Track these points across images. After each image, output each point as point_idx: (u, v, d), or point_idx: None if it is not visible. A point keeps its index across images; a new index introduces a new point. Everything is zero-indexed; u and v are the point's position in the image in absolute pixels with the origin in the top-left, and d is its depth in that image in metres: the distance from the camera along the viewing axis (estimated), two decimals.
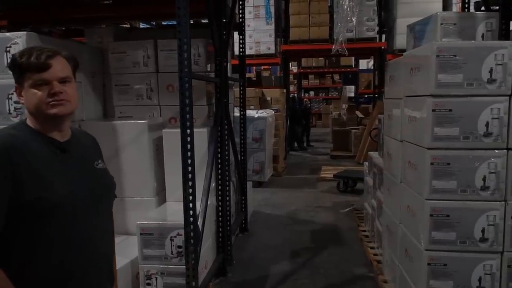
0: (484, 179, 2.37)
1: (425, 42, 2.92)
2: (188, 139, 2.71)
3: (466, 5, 3.64)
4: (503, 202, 2.37)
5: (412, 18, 5.40)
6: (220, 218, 3.53)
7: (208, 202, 3.20)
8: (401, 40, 8.15)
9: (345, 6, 8.31)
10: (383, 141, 3.68)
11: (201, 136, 3.37)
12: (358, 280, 3.64)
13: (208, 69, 3.76)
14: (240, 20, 4.67)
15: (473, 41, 2.38)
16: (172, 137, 3.34)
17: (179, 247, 2.99)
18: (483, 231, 2.38)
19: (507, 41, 2.28)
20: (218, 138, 3.54)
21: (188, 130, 2.70)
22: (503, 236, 2.38)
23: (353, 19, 8.02)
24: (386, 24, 9.21)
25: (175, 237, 3.01)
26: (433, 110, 2.34)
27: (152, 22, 5.71)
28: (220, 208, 3.54)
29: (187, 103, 2.70)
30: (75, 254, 1.31)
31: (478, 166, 2.36)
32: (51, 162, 1.31)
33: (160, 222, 3.08)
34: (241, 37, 4.73)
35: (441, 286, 2.42)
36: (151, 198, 3.48)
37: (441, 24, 2.84)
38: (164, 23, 5.69)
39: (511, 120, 2.33)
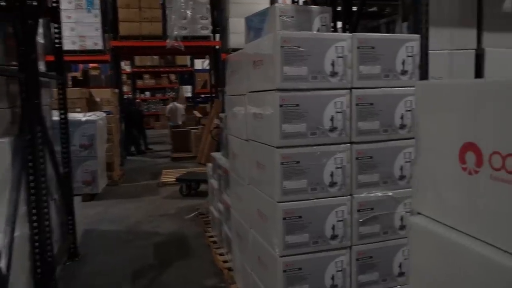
0: (331, 175, 2.30)
1: (264, 36, 2.76)
2: None
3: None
4: (349, 197, 2.35)
5: (241, 19, 5.39)
6: (37, 250, 2.80)
7: (16, 233, 2.47)
8: (235, 39, 8.23)
9: (178, 2, 7.99)
10: (227, 141, 3.46)
11: None
12: None
13: (10, 63, 2.96)
14: (54, 4, 3.89)
15: (316, 32, 2.31)
16: None
17: None
18: (333, 228, 2.32)
19: (346, 34, 2.25)
20: (29, 149, 2.80)
21: None
22: (351, 230, 2.36)
23: (188, 12, 7.74)
24: (220, 23, 9.22)
25: None
26: (281, 106, 2.17)
27: None
28: (36, 237, 2.80)
29: None
30: None
31: (326, 162, 2.28)
32: None
33: None
34: (56, 25, 3.95)
35: None
36: None
37: (280, 16, 2.73)
38: None
39: (353, 113, 2.31)
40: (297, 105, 2.19)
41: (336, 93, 2.26)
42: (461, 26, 2.93)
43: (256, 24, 3.09)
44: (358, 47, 2.29)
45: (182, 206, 5.77)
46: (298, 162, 2.23)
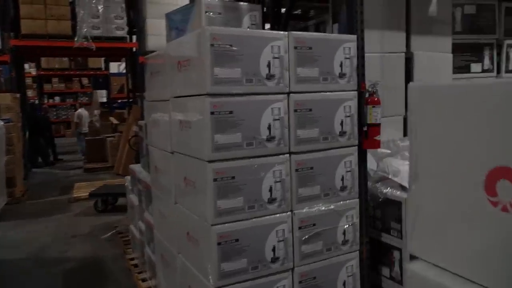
0: (270, 190, 2.05)
1: (189, 33, 2.44)
2: None
3: None
4: (290, 213, 2.11)
5: (162, 20, 4.99)
6: None
7: None
8: (153, 41, 7.69)
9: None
10: (147, 152, 3.07)
11: None
12: None
13: None
14: None
15: (249, 29, 2.05)
16: None
17: None
18: (273, 249, 2.07)
19: (281, 32, 2.02)
20: None
21: None
22: (293, 250, 2.13)
23: (99, 9, 7.10)
24: (136, 24, 8.62)
25: None
26: (212, 113, 1.87)
27: None
28: None
29: None
30: None
31: (264, 176, 2.03)
32: None
33: None
34: None
35: None
36: None
37: (206, 12, 2.43)
38: None
39: (291, 120, 2.08)
40: (231, 112, 1.91)
41: (274, 98, 2.02)
42: (391, 30, 2.87)
43: (178, 22, 2.76)
44: (295, 47, 2.07)
45: (97, 224, 5.17)
46: (233, 177, 1.94)
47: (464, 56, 3.31)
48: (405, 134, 3.01)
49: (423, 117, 0.90)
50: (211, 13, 2.44)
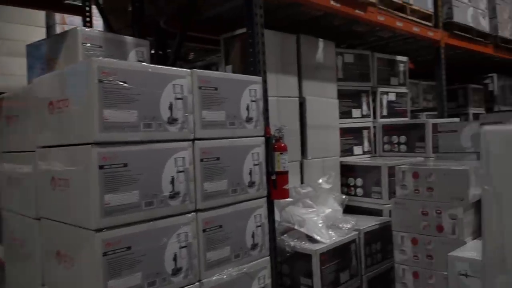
0: (175, 258, 1.67)
1: (68, 68, 1.98)
2: None
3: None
4: (198, 284, 1.75)
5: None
6: None
7: None
8: (1, 82, 6.64)
9: None
10: (0, 219, 2.38)
11: None
12: None
13: None
14: None
15: (146, 64, 1.70)
16: None
17: None
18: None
19: (184, 69, 1.72)
20: None
21: None
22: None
23: None
24: None
25: None
26: (101, 167, 1.45)
27: None
28: None
29: None
30: None
31: (167, 242, 1.65)
32: None
33: None
34: None
35: None
36: None
37: (83, 43, 2.01)
38: None
39: (197, 172, 1.76)
40: (125, 164, 1.51)
41: (177, 146, 1.69)
42: (285, 74, 2.81)
43: (42, 57, 2.26)
44: (199, 87, 1.79)
45: None
46: (128, 248, 1.52)
47: (346, 102, 3.44)
48: (302, 181, 2.92)
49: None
50: (89, 44, 2.03)
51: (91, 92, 1.44)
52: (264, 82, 2.18)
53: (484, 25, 4.55)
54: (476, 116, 5.35)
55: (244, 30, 2.46)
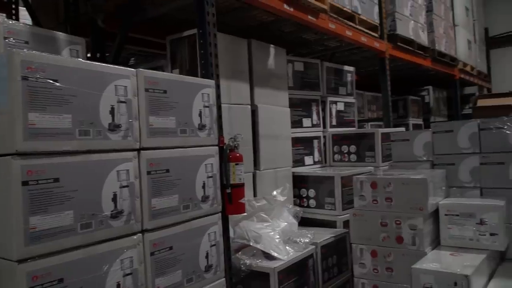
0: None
1: None
2: None
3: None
4: None
5: None
6: None
7: None
8: None
9: None
10: None
11: None
12: None
13: None
14: None
15: (82, 60, 1.44)
16: None
17: None
18: None
19: (129, 69, 1.50)
20: None
21: None
22: None
23: None
24: None
25: None
26: (25, 183, 1.18)
27: None
28: None
29: None
30: None
31: (107, 272, 1.39)
32: None
33: None
34: None
35: None
36: None
37: (6, 38, 1.71)
38: None
39: (143, 186, 1.53)
40: (56, 180, 1.25)
41: (120, 157, 1.45)
42: (237, 81, 2.65)
43: None
44: (146, 90, 1.57)
45: None
46: (60, 280, 1.25)
47: (297, 111, 3.34)
48: (255, 194, 2.75)
49: None
50: (13, 40, 1.73)
51: (13, 91, 1.17)
52: (218, 86, 1.99)
53: (423, 38, 4.71)
54: (416, 127, 5.53)
55: (193, 31, 2.27)
